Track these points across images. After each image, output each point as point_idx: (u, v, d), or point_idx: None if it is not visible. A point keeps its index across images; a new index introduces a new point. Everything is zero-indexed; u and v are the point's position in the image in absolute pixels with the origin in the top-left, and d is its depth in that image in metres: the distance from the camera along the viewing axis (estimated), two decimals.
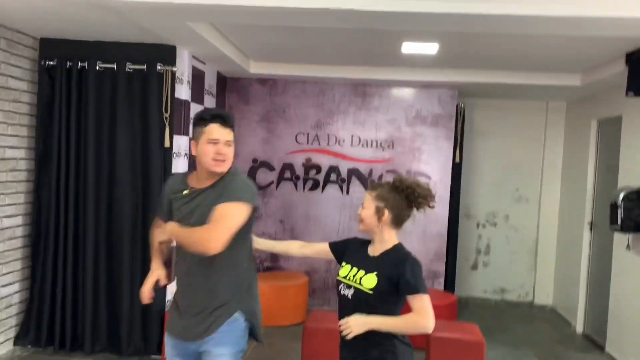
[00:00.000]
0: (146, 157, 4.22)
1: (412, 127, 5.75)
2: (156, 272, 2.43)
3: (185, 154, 4.59)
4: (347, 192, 5.87)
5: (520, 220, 6.60)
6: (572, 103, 6.29)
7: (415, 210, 2.27)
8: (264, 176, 5.89)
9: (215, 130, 2.27)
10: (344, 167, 5.86)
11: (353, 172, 5.85)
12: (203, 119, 2.30)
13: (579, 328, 5.65)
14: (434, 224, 5.75)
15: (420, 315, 2.12)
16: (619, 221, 4.38)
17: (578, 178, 5.85)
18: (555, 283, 6.47)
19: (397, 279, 2.15)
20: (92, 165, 4.22)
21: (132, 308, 4.27)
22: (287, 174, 5.92)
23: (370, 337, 2.15)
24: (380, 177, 5.80)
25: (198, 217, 2.27)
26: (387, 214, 2.23)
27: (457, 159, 5.90)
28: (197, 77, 4.87)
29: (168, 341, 2.43)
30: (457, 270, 6.25)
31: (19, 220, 4.17)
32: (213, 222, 2.17)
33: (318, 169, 5.89)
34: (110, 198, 4.26)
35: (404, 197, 2.23)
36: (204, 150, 2.27)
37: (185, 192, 2.37)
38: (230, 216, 2.19)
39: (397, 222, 2.26)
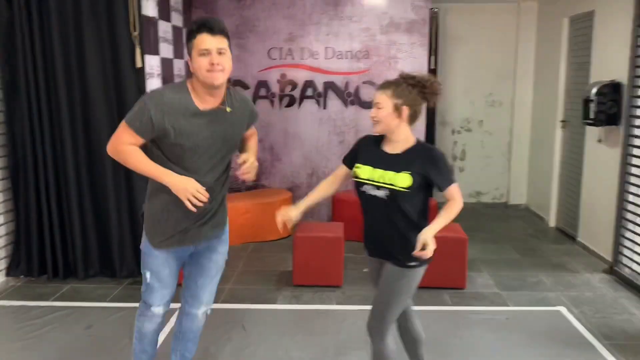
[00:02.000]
0: (118, 79, 4.09)
1: (386, 35, 5.67)
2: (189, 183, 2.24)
3: (159, 74, 4.47)
4: (325, 107, 5.85)
5: (494, 124, 6.72)
6: (543, 2, 6.25)
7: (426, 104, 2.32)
8: None
9: (204, 40, 2.14)
10: (319, 81, 5.80)
11: (329, 86, 5.80)
12: (191, 31, 2.18)
13: (552, 222, 5.95)
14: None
15: (458, 201, 2.26)
16: (592, 115, 4.51)
17: (550, 77, 5.93)
18: (529, 183, 6.72)
19: (430, 175, 2.24)
20: (63, 90, 4.07)
21: (121, 231, 4.30)
22: (263, 92, 5.84)
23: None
24: (357, 89, 5.77)
25: (228, 137, 2.35)
26: (406, 110, 2.24)
27: (432, 66, 5.89)
28: None
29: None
30: None
31: None
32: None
33: (293, 84, 5.82)
34: (86, 123, 4.16)
35: (417, 91, 2.26)
36: (198, 64, 2.16)
37: (197, 112, 2.23)
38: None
39: (414, 118, 2.30)
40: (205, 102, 2.25)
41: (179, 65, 5.15)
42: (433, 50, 5.89)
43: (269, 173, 5.94)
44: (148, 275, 2.45)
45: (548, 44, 6.06)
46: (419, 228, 2.22)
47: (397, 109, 2.24)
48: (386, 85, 2.29)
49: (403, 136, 2.29)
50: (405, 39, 5.65)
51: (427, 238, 2.13)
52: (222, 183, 2.43)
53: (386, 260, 2.37)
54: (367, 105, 5.80)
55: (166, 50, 4.75)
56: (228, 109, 2.30)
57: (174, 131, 2.20)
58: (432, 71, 5.91)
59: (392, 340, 2.40)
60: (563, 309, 3.80)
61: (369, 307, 2.46)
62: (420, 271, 2.37)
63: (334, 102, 5.82)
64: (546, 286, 4.24)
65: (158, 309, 2.52)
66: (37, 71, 4.06)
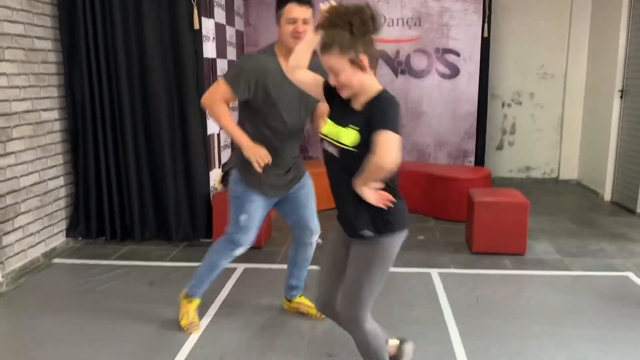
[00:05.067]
0: (176, 40, 4.09)
1: (439, 2, 5.55)
2: (259, 149, 2.55)
3: (214, 38, 4.46)
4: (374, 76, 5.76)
5: (545, 97, 6.53)
6: None
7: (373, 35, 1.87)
8: None
9: (292, 9, 2.46)
10: None
11: (379, 55, 5.72)
12: (280, 0, 2.49)
13: (607, 196, 5.76)
14: (464, 102, 5.71)
15: (380, 154, 1.73)
16: None
17: (608, 46, 5.72)
18: (581, 157, 6.53)
19: (371, 122, 1.80)
20: (121, 52, 4.10)
21: (177, 195, 4.33)
22: None
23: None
24: (408, 57, 5.67)
25: (304, 97, 2.49)
26: (364, 59, 1.84)
27: (486, 34, 5.74)
28: None
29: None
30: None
31: (55, 114, 4.13)
32: None
33: None
34: (144, 85, 4.18)
35: (360, 27, 1.82)
36: (284, 30, 2.48)
37: (282, 71, 2.47)
38: None
39: (375, 60, 1.90)
40: None
41: (230, 32, 5.15)
42: (487, 17, 5.74)
43: (315, 145, 5.91)
44: (243, 218, 2.68)
45: (606, 11, 5.84)
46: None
47: (354, 62, 1.84)
48: (326, 45, 1.86)
49: (366, 88, 1.89)
50: (458, 5, 5.53)
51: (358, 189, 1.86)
52: (298, 142, 2.78)
53: (350, 236, 2.04)
54: (419, 74, 5.70)
55: (220, 15, 4.74)
56: None
57: (265, 88, 2.52)
58: (486, 40, 5.76)
59: (372, 324, 2.09)
60: (631, 274, 3.68)
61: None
62: (391, 242, 1.98)
63: (383, 71, 5.74)
64: (609, 253, 4.11)
65: (244, 249, 2.77)
66: (96, 32, 4.09)
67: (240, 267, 3.83)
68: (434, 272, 3.72)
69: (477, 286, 3.50)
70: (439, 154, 5.89)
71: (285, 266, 3.83)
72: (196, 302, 2.95)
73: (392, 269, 2.49)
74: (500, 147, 6.69)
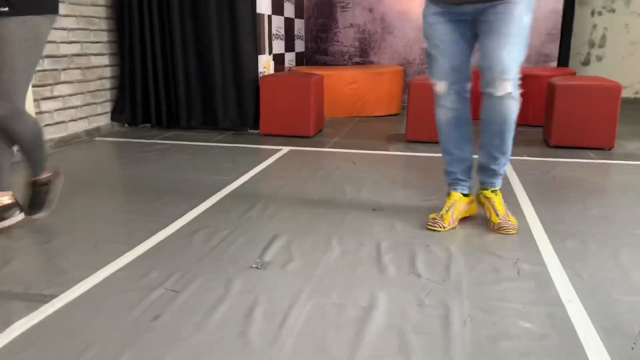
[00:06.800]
0: None
1: None
2: None
3: None
4: None
5: None
6: None
7: None
8: None
9: None
10: None
11: None
12: None
13: None
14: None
15: None
16: None
17: None
18: None
19: None
20: None
21: (225, 82, 4.06)
22: None
23: None
24: None
25: None
26: None
27: None
28: None
29: None
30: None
31: None
32: None
33: None
34: None
35: None
36: None
37: None
38: None
39: None
40: None
41: None
42: None
43: (378, 48, 5.46)
44: (426, 45, 2.14)
45: None
46: None
47: None
48: None
49: None
50: None
51: None
52: None
53: None
54: None
55: None
56: None
57: None
58: None
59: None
60: None
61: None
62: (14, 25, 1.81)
63: None
64: None
65: (440, 85, 2.11)
66: None
67: (285, 149, 3.53)
68: None
69: (554, 169, 3.02)
70: None
71: (337, 149, 3.53)
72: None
73: None
74: (586, 63, 5.96)
